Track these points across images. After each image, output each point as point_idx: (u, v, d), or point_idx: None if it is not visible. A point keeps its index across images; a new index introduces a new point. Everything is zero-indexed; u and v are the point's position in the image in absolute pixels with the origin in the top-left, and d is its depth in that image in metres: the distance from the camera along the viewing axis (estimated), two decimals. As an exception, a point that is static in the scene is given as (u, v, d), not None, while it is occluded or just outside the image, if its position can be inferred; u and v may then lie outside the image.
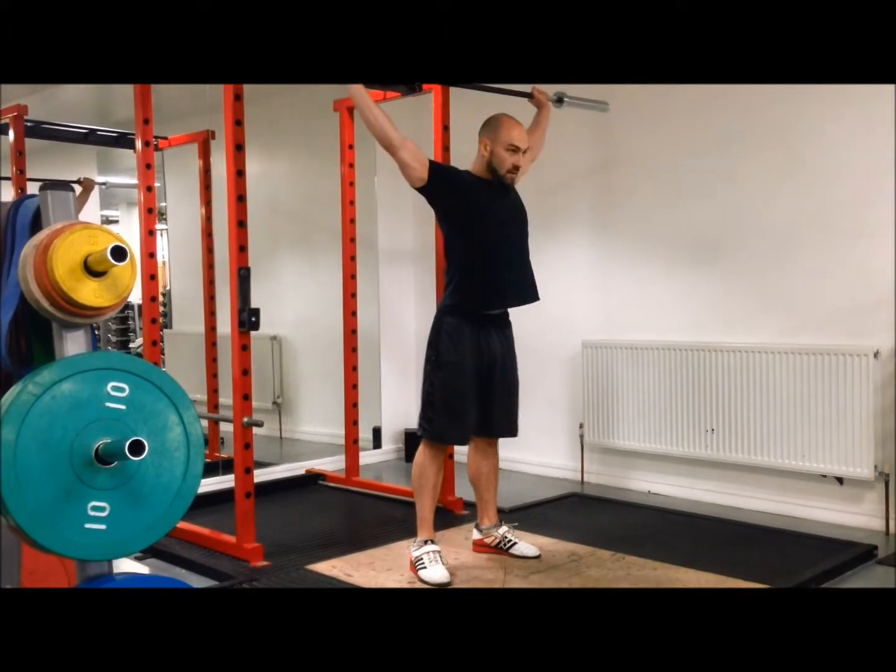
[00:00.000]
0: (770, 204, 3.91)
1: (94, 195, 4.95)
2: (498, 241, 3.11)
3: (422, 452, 3.17)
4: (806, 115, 3.79)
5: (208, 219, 5.04)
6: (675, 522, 3.80)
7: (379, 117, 3.00)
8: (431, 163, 3.08)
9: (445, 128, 3.88)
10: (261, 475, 4.23)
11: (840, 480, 3.72)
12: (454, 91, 3.93)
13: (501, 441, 3.35)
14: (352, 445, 4.55)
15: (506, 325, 3.25)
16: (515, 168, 3.14)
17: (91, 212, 4.92)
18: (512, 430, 3.29)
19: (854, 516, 3.69)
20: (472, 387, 3.12)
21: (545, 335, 4.64)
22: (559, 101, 3.74)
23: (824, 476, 3.75)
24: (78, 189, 4.73)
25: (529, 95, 3.64)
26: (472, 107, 3.68)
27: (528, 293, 3.21)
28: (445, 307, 3.15)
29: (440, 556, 3.09)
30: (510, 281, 3.15)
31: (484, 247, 3.09)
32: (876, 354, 3.56)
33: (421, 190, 3.08)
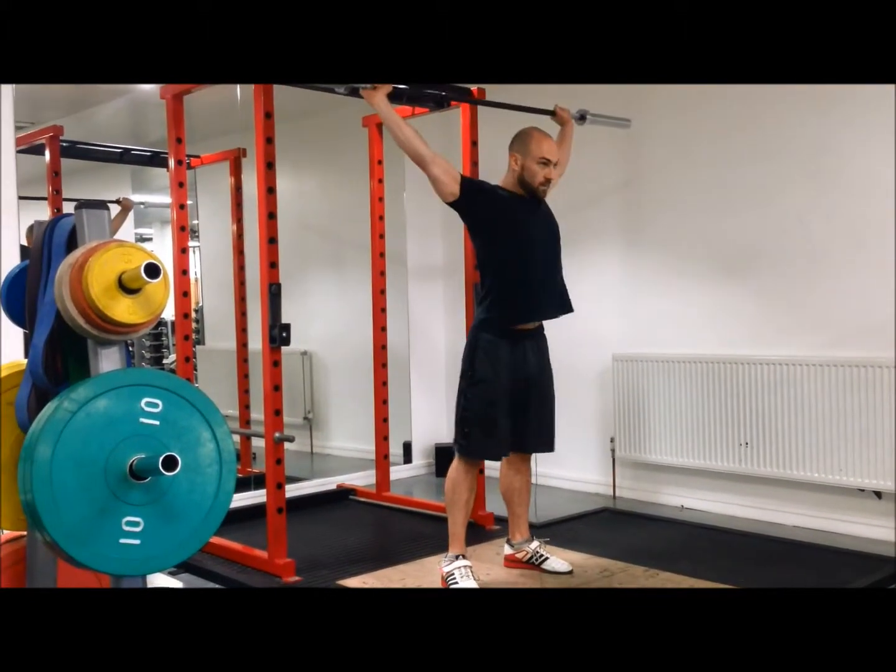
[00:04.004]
0: (802, 219, 3.87)
1: (130, 214, 5.02)
2: (532, 256, 3.11)
3: (455, 468, 3.16)
4: (837, 132, 3.75)
5: (240, 236, 5.09)
6: (708, 538, 3.75)
7: (409, 134, 3.02)
8: (463, 178, 3.09)
9: (474, 143, 3.90)
10: (292, 490, 4.25)
11: (878, 495, 3.65)
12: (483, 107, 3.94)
13: (534, 456, 3.34)
14: (382, 460, 4.55)
15: (541, 338, 3.23)
16: (547, 181, 3.13)
17: (125, 230, 4.98)
18: (548, 446, 3.27)
19: (893, 531, 3.62)
20: (506, 403, 3.10)
21: (576, 349, 4.61)
22: (582, 118, 3.73)
23: (862, 490, 3.68)
24: (116, 209, 4.80)
25: (552, 113, 3.64)
26: (500, 122, 3.68)
27: (562, 305, 3.21)
28: (481, 322, 3.14)
29: (471, 572, 3.07)
30: (545, 294, 3.15)
31: (518, 262, 3.09)
32: (913, 367, 3.51)
33: (452, 204, 3.09)
